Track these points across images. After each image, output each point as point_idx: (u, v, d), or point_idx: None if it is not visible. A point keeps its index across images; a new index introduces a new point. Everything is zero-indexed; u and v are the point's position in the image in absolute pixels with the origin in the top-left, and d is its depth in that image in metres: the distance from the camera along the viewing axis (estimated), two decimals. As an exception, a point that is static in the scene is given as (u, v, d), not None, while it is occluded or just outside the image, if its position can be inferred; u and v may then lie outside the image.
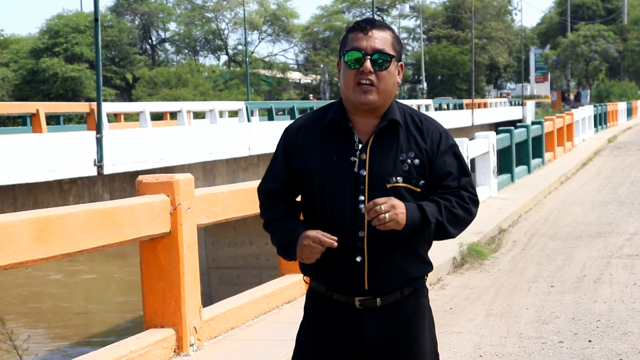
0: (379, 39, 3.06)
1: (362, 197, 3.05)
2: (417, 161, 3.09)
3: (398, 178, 3.07)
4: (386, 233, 3.04)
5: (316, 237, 3.02)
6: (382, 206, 2.95)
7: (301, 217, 3.26)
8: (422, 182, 3.10)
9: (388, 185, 3.06)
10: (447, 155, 3.14)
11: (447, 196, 3.13)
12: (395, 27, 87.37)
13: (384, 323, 3.12)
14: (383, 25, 3.10)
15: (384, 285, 3.10)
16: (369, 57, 3.04)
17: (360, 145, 3.08)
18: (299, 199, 3.27)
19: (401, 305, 3.13)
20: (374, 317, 3.11)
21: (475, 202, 3.22)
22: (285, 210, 3.22)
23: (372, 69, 3.04)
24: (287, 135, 3.21)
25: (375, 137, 3.09)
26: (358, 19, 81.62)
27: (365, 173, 3.06)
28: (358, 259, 3.07)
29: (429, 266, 3.25)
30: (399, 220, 2.98)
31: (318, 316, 3.21)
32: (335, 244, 3.02)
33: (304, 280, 3.29)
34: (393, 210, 2.96)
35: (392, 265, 3.09)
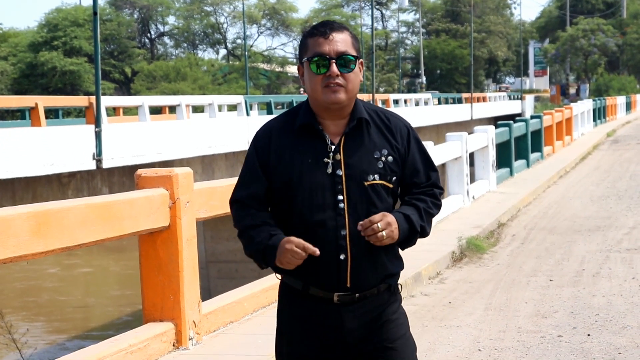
0: (340, 42, 3.10)
1: (340, 197, 3.09)
2: (390, 158, 3.15)
3: (375, 176, 3.12)
4: None
5: (300, 243, 3.03)
6: (379, 224, 3.01)
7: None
8: (394, 178, 3.17)
9: (366, 184, 3.10)
10: (415, 151, 3.22)
11: (423, 197, 3.21)
12: (394, 21, 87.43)
13: (362, 315, 3.16)
14: (341, 27, 3.14)
15: (365, 281, 3.14)
16: (334, 60, 3.08)
17: (332, 147, 3.12)
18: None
19: (376, 300, 3.19)
20: (351, 310, 3.15)
21: (442, 194, 3.30)
22: (263, 218, 3.19)
23: (338, 72, 3.08)
24: (258, 142, 3.21)
25: (346, 137, 3.14)
26: (357, 12, 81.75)
27: (341, 173, 3.10)
28: (342, 257, 3.10)
29: (402, 263, 3.29)
30: (394, 237, 3.06)
31: (295, 314, 3.22)
32: (318, 252, 3.03)
33: (276, 277, 3.29)
34: (389, 227, 3.03)
35: (373, 263, 3.14)
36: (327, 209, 3.09)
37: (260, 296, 7.03)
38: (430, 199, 3.22)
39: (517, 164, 18.32)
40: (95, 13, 15.20)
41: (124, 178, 16.87)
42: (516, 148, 18.54)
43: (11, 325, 8.48)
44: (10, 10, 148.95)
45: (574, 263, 9.48)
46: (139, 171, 5.93)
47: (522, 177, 17.46)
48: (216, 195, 6.47)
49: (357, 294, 3.14)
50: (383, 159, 3.14)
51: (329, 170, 3.10)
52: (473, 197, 13.87)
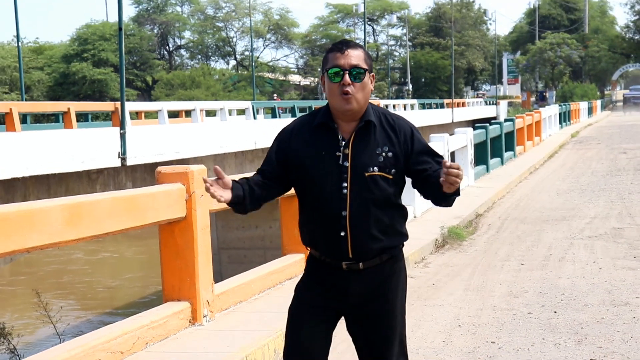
0: (354, 56, 3.32)
1: (345, 184, 3.31)
2: (390, 154, 3.34)
3: (374, 168, 3.32)
4: (365, 213, 3.31)
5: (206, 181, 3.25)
6: (460, 170, 3.19)
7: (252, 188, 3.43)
8: (394, 170, 3.35)
9: (366, 174, 3.31)
10: (419, 146, 3.40)
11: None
12: (383, 35, 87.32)
13: (365, 282, 3.38)
14: (356, 45, 3.37)
15: (363, 253, 3.35)
16: (347, 71, 3.29)
17: (343, 142, 3.33)
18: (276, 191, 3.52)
19: (380, 268, 3.39)
20: (357, 277, 3.38)
21: None
22: (252, 180, 3.43)
23: (350, 81, 3.29)
24: (281, 136, 3.47)
25: (355, 135, 3.34)
26: (351, 27, 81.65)
27: (347, 164, 3.32)
28: (342, 233, 3.32)
29: (404, 237, 3.47)
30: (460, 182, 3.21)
31: (315, 274, 3.47)
32: (209, 183, 3.23)
33: (307, 248, 3.53)
34: (461, 174, 3.20)
35: (369, 238, 3.34)
36: (333, 193, 3.32)
37: (266, 278, 7.03)
38: None
39: (493, 161, 18.31)
40: (120, 28, 15.16)
41: (146, 174, 16.85)
42: (492, 147, 18.53)
43: (47, 304, 8.47)
44: (46, 26, 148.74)
45: (543, 249, 9.48)
46: (159, 168, 5.93)
47: (497, 173, 17.44)
48: (227, 190, 6.46)
49: (360, 263, 3.36)
50: (384, 154, 3.33)
51: (339, 162, 3.32)
52: (453, 191, 13.85)
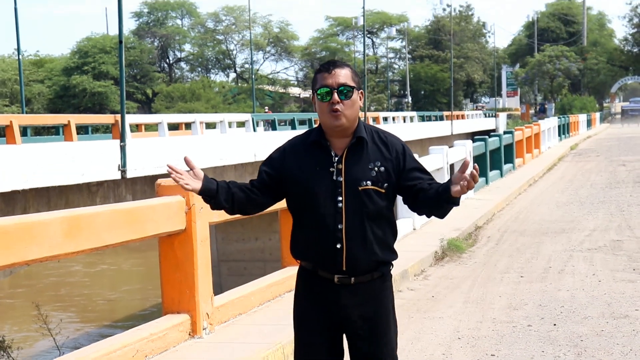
0: (342, 75, 3.44)
1: (340, 198, 3.43)
2: (382, 168, 3.46)
3: (367, 182, 3.43)
4: (360, 226, 3.41)
5: (170, 167, 3.37)
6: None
7: (234, 191, 3.53)
8: (386, 184, 3.46)
9: (360, 188, 3.43)
10: (411, 162, 3.52)
11: (435, 184, 3.49)
12: (383, 48, 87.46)
13: (356, 296, 3.48)
14: (343, 64, 3.49)
15: (357, 266, 3.45)
16: (335, 90, 3.42)
17: (336, 158, 3.46)
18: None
19: (370, 285, 3.49)
20: (348, 291, 3.47)
21: None
22: (239, 185, 3.54)
23: (339, 99, 3.42)
24: (274, 153, 3.61)
25: (347, 151, 3.46)
26: (351, 40, 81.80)
27: (342, 179, 3.43)
28: (338, 245, 3.43)
29: (394, 255, 3.58)
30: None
31: (307, 288, 3.56)
32: (180, 172, 3.36)
33: (297, 261, 3.61)
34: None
35: (364, 251, 3.44)
36: (328, 208, 3.43)
37: (265, 291, 7.02)
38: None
39: (492, 174, 18.31)
40: (120, 41, 15.18)
41: (146, 187, 16.84)
42: (491, 160, 18.53)
43: (46, 316, 8.45)
44: (46, 39, 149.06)
45: (542, 261, 9.47)
46: (159, 180, 5.93)
47: (496, 186, 17.44)
48: (227, 202, 6.46)
49: (352, 278, 3.45)
50: (376, 169, 3.44)
51: (333, 177, 3.44)
52: (453, 203, 13.84)
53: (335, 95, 3.42)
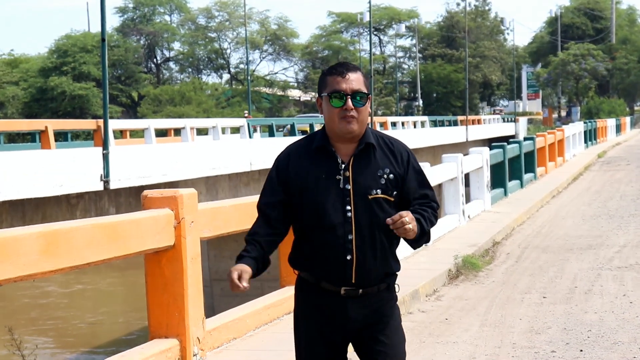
0: (355, 80, 3.60)
1: (348, 207, 3.58)
2: (392, 176, 3.63)
3: (377, 190, 3.60)
4: (370, 236, 3.59)
5: (231, 278, 3.52)
6: (407, 218, 3.49)
7: (264, 246, 3.70)
8: (395, 192, 3.64)
9: (369, 197, 3.59)
10: (413, 172, 3.70)
11: (424, 208, 3.67)
12: (391, 46, 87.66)
13: (363, 307, 3.64)
14: (355, 68, 3.66)
15: (367, 278, 3.61)
16: (349, 97, 3.58)
17: (343, 165, 3.61)
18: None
19: (376, 296, 3.66)
20: (355, 302, 3.63)
21: (437, 210, 3.78)
22: (258, 234, 3.69)
23: (353, 106, 3.58)
24: (279, 163, 3.72)
25: (355, 158, 3.62)
26: (356, 38, 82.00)
27: (350, 187, 3.58)
28: (348, 257, 3.58)
29: (398, 265, 3.76)
30: (415, 231, 3.55)
31: (308, 301, 3.70)
32: (243, 289, 3.52)
33: (294, 272, 3.75)
34: (413, 222, 3.53)
35: (375, 262, 3.61)
36: (337, 217, 3.58)
37: (262, 313, 7.02)
38: (430, 210, 3.68)
39: (511, 184, 18.32)
40: (103, 39, 15.22)
41: (131, 199, 16.86)
42: (510, 169, 18.54)
43: (20, 342, 8.45)
44: (21, 37, 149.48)
45: (567, 280, 9.46)
46: (145, 192, 5.93)
47: (516, 197, 17.44)
48: (220, 216, 6.47)
49: (360, 290, 3.61)
50: (385, 176, 3.61)
51: (340, 185, 3.58)
52: (469, 217, 13.86)
53: (350, 102, 3.58)
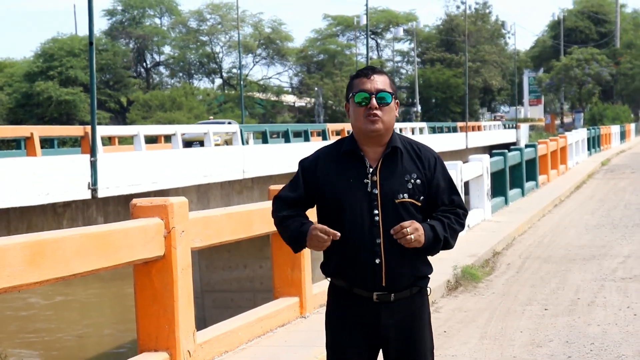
0: (380, 81, 3.80)
1: (376, 211, 3.74)
2: (418, 181, 3.80)
3: (404, 195, 3.77)
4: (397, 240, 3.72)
5: (323, 229, 3.70)
6: (408, 229, 3.66)
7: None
8: (422, 197, 3.80)
9: (396, 201, 3.76)
10: (440, 178, 3.87)
11: (447, 214, 3.84)
12: (389, 50, 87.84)
13: (396, 314, 3.80)
14: (381, 71, 3.85)
15: (397, 281, 3.78)
16: (374, 95, 3.76)
17: (371, 169, 3.77)
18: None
19: (409, 301, 3.83)
20: (388, 308, 3.79)
21: (466, 216, 3.95)
22: (298, 211, 3.88)
23: (377, 105, 3.76)
24: (304, 169, 3.89)
25: (382, 162, 3.79)
26: (352, 42, 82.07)
27: (377, 191, 3.75)
28: (377, 261, 3.74)
29: (431, 268, 3.93)
30: (420, 240, 3.71)
31: (341, 308, 3.86)
32: (339, 234, 3.68)
33: (326, 279, 3.92)
34: (416, 232, 3.68)
35: (404, 265, 3.77)
36: (365, 221, 3.75)
37: (255, 325, 7.03)
38: (453, 216, 3.85)
39: (512, 192, 18.35)
40: (91, 43, 15.26)
41: (119, 207, 16.87)
42: (511, 177, 18.56)
43: (5, 356, 8.45)
44: (6, 41, 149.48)
45: (569, 292, 9.48)
46: (134, 200, 5.94)
47: (517, 206, 17.47)
48: (211, 225, 6.48)
49: (392, 294, 3.77)
50: (412, 181, 3.78)
51: (368, 189, 3.75)
52: (468, 226, 13.89)
53: (374, 101, 3.76)
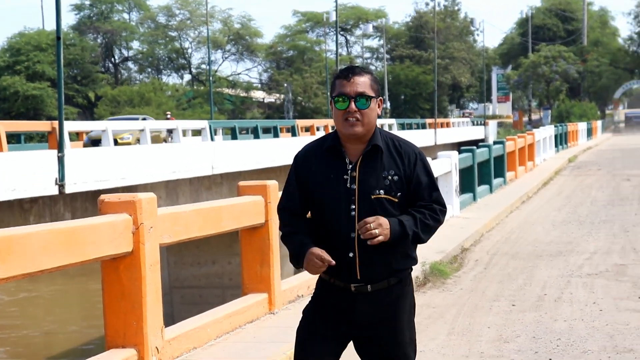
0: (360, 84, 3.87)
1: (353, 207, 3.87)
2: (396, 177, 3.90)
3: (380, 191, 3.87)
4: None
5: (319, 255, 3.83)
6: (371, 224, 3.77)
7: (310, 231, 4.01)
8: (399, 194, 3.90)
9: (372, 197, 3.86)
10: (420, 173, 3.97)
11: (421, 210, 3.95)
12: (358, 47, 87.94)
13: (373, 305, 3.91)
14: (362, 71, 3.92)
15: (371, 275, 3.89)
16: (352, 100, 3.85)
17: (350, 166, 3.90)
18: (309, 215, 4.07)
19: (388, 292, 3.93)
20: (365, 299, 3.91)
21: (444, 212, 4.04)
22: (299, 226, 3.99)
23: (356, 109, 3.85)
24: (297, 162, 4.04)
25: (362, 159, 3.90)
26: (322, 38, 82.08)
27: (355, 187, 3.87)
28: (350, 254, 3.87)
29: (412, 260, 4.02)
30: (386, 235, 3.80)
31: (323, 298, 4.01)
32: (334, 262, 3.82)
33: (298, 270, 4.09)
34: (380, 228, 3.78)
35: (377, 260, 3.88)
36: (342, 216, 3.88)
37: (223, 322, 7.02)
38: (428, 212, 3.96)
39: (480, 189, 18.43)
40: (58, 38, 15.16)
41: (87, 203, 16.77)
42: (479, 173, 18.64)
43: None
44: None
45: (536, 288, 9.54)
46: (102, 196, 5.91)
47: (485, 202, 17.55)
48: (180, 221, 6.46)
49: (369, 285, 3.90)
50: (390, 178, 3.88)
51: (347, 185, 3.88)
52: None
53: (352, 105, 3.85)
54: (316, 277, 4.08)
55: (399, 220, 3.86)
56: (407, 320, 4.00)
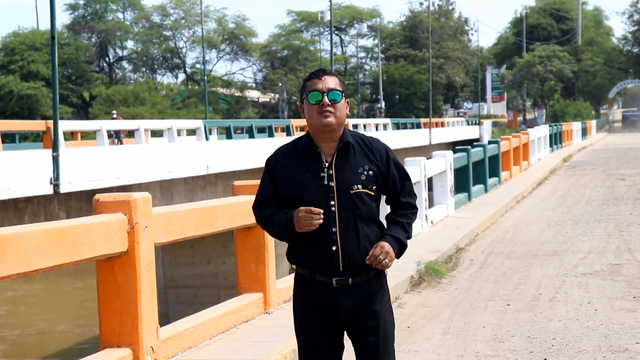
0: (331, 81, 4.14)
1: (332, 202, 4.05)
2: (371, 172, 4.11)
3: (358, 185, 4.07)
4: (353, 228, 4.06)
5: (307, 208, 3.99)
6: (380, 256, 4.01)
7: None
8: (374, 187, 4.12)
9: (351, 192, 4.06)
10: (392, 167, 4.19)
11: (402, 212, 4.19)
12: (353, 47, 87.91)
13: (355, 297, 4.10)
14: (331, 73, 4.19)
15: (353, 267, 4.06)
16: (325, 94, 4.09)
17: (326, 164, 4.09)
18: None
19: (367, 285, 4.12)
20: (347, 293, 4.09)
21: (415, 199, 4.27)
22: (278, 208, 4.15)
23: (329, 102, 4.08)
24: (270, 165, 4.19)
25: (337, 156, 4.10)
26: (316, 37, 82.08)
27: (333, 184, 4.06)
28: (334, 248, 4.05)
29: None
30: (393, 258, 4.07)
31: (304, 294, 4.15)
32: (322, 210, 3.98)
33: (292, 268, 4.21)
34: (387, 255, 4.03)
35: (359, 251, 4.06)
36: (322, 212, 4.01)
37: (218, 321, 7.01)
38: (408, 211, 4.20)
39: (475, 188, 18.44)
40: (53, 37, 15.13)
41: (82, 203, 16.75)
42: (474, 173, 18.65)
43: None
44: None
45: (531, 287, 9.55)
46: (97, 196, 5.90)
47: (480, 202, 17.56)
48: (175, 220, 6.46)
49: (350, 279, 4.07)
50: (365, 172, 4.09)
51: (324, 182, 4.06)
52: (432, 222, 13.95)
53: (326, 98, 4.08)
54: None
55: (393, 237, 4.10)
56: (388, 309, 4.19)
